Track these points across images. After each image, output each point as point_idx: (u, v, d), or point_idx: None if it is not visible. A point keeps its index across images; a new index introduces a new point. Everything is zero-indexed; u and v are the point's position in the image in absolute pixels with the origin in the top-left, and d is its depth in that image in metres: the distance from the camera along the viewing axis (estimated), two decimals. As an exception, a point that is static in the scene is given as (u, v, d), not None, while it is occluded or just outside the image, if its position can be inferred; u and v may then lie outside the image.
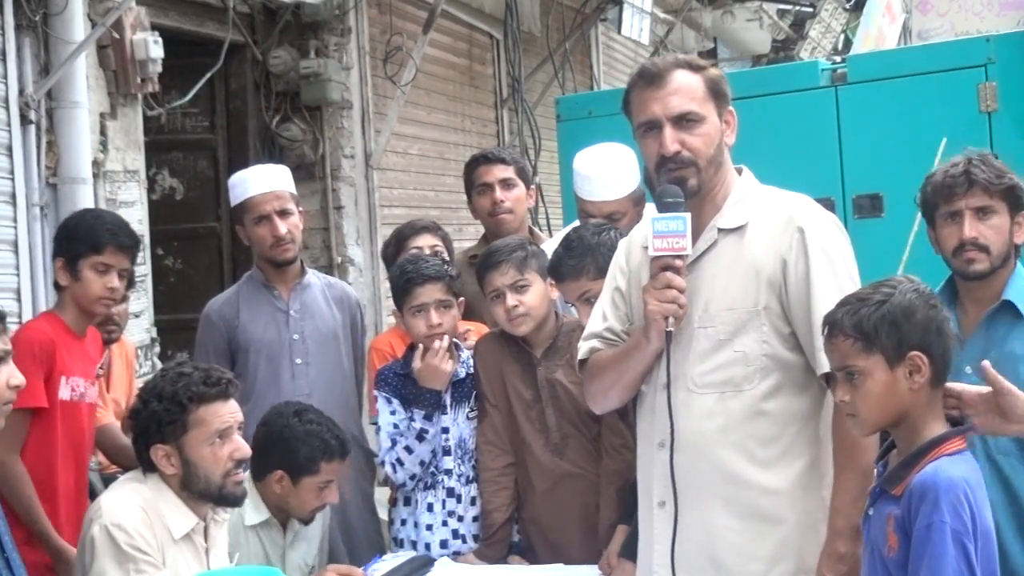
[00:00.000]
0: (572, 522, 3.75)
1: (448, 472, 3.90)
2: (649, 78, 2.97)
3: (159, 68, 5.70)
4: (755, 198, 3.03)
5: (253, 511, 3.74)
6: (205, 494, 3.23)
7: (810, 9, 14.00)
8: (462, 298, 3.98)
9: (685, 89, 2.96)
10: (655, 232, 2.87)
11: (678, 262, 2.88)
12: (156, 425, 3.20)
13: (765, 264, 2.91)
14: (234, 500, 3.29)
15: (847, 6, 14.03)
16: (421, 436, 3.86)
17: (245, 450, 3.27)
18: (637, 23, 11.30)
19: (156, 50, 5.62)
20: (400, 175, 8.39)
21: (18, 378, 2.92)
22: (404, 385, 3.95)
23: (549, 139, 8.75)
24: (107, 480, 4.05)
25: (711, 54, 15.51)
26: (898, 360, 2.60)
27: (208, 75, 6.41)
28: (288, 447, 3.70)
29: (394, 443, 3.91)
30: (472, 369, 3.94)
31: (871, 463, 2.76)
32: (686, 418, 2.93)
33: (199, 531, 3.27)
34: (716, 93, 3.00)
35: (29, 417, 3.72)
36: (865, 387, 2.63)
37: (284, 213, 4.33)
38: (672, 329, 2.89)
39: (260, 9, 7.19)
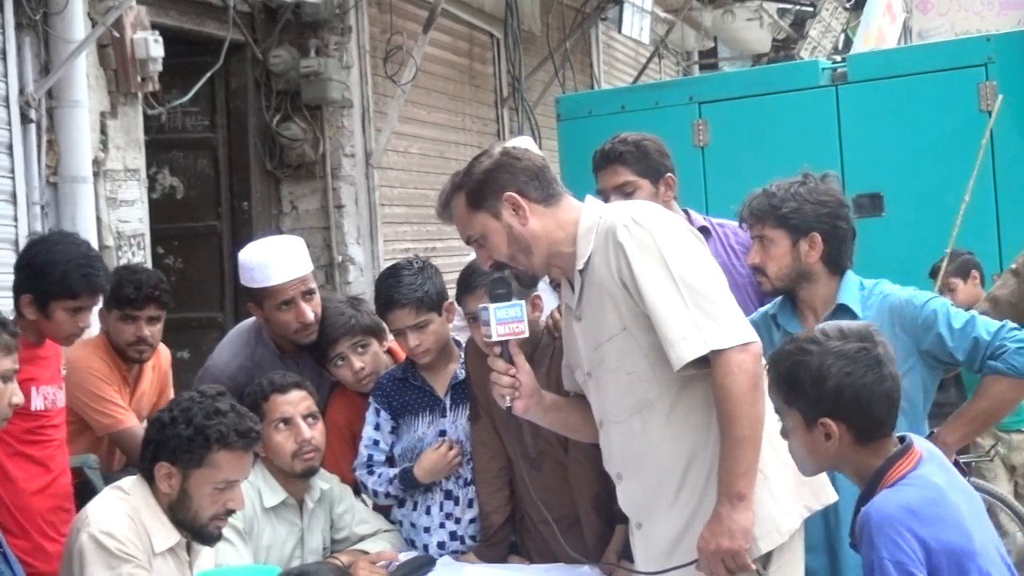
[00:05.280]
0: (560, 524, 3.73)
1: (447, 476, 3.90)
2: (440, 213, 3.23)
3: (159, 67, 5.71)
4: (596, 224, 3.06)
5: (270, 493, 3.74)
6: (186, 525, 3.22)
7: (810, 8, 14.00)
8: (449, 301, 3.94)
9: (459, 217, 3.16)
10: (498, 319, 3.09)
11: (511, 344, 3.13)
12: (173, 446, 3.17)
13: (613, 289, 2.99)
14: (210, 540, 3.28)
15: (847, 5, 14.03)
16: (388, 495, 3.90)
17: (241, 503, 3.27)
18: (637, 22, 11.31)
19: (156, 49, 5.63)
20: (400, 174, 8.39)
21: (19, 396, 2.92)
22: (400, 392, 3.94)
23: (550, 138, 8.75)
24: (108, 479, 4.04)
25: (711, 53, 15.53)
26: (812, 423, 2.61)
27: (208, 74, 6.42)
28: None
29: (369, 459, 3.92)
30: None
31: (745, 433, 2.85)
32: (625, 447, 3.10)
33: (181, 546, 3.26)
34: (478, 200, 3.08)
35: None
36: (793, 438, 2.68)
37: (308, 294, 4.07)
38: (510, 406, 3.17)
39: (260, 8, 7.20)
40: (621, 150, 4.09)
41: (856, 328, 2.63)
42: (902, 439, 2.65)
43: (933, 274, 5.92)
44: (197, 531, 3.22)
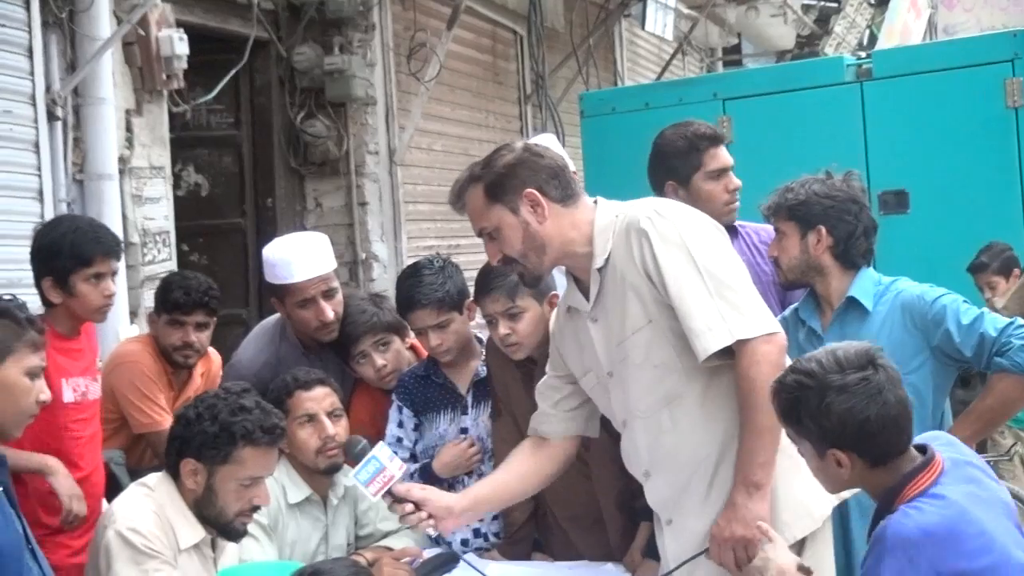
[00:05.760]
0: (583, 522, 3.73)
1: (469, 472, 3.90)
2: (453, 204, 3.19)
3: (184, 65, 5.74)
4: (612, 223, 3.06)
5: (294, 489, 3.75)
6: (212, 521, 3.23)
7: (835, 4, 13.96)
8: (470, 299, 3.93)
9: (474, 208, 3.11)
10: (363, 483, 3.12)
11: (395, 489, 3.13)
12: (199, 443, 3.19)
13: (637, 281, 2.98)
14: (236, 536, 3.30)
15: (872, 1, 13.98)
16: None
17: (266, 499, 3.29)
18: (661, 19, 11.30)
19: (181, 47, 5.65)
20: (424, 171, 8.40)
21: (46, 393, 2.93)
22: (422, 388, 3.94)
23: (573, 135, 8.76)
24: (133, 473, 4.07)
25: (735, 50, 15.48)
26: (822, 453, 2.56)
27: (233, 72, 6.45)
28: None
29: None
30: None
31: (767, 423, 2.81)
32: (653, 442, 3.07)
33: (207, 543, 3.27)
34: (497, 193, 3.05)
35: None
36: (808, 462, 2.64)
37: (329, 293, 4.08)
38: (439, 533, 3.31)
39: (284, 6, 7.22)
40: (721, 131, 4.25)
41: (855, 354, 2.53)
42: (924, 449, 2.60)
43: (972, 269, 5.88)
44: (223, 527, 3.23)
